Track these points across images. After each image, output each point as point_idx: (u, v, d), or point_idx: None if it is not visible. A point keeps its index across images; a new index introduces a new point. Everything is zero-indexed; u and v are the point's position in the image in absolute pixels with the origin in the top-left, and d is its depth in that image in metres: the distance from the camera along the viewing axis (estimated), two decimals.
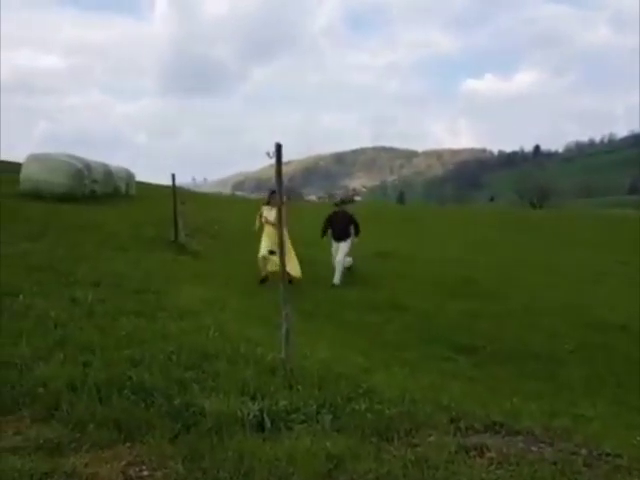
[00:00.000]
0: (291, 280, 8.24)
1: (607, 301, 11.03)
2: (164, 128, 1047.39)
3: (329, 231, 11.21)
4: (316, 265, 11.29)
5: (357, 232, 11.09)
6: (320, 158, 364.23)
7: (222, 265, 11.53)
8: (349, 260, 11.08)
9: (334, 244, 11.10)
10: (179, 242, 12.80)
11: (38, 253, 8.17)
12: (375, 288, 10.66)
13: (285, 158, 3.87)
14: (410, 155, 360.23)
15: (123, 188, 23.77)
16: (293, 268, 9.25)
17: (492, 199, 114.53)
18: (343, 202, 12.65)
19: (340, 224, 11.11)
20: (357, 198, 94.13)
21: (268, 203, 10.07)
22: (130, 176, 25.54)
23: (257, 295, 8.76)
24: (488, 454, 2.58)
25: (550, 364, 6.80)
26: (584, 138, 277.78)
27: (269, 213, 9.85)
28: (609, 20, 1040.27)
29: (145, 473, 2.36)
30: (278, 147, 3.80)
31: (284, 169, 3.96)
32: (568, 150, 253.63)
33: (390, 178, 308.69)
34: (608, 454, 2.66)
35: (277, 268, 6.15)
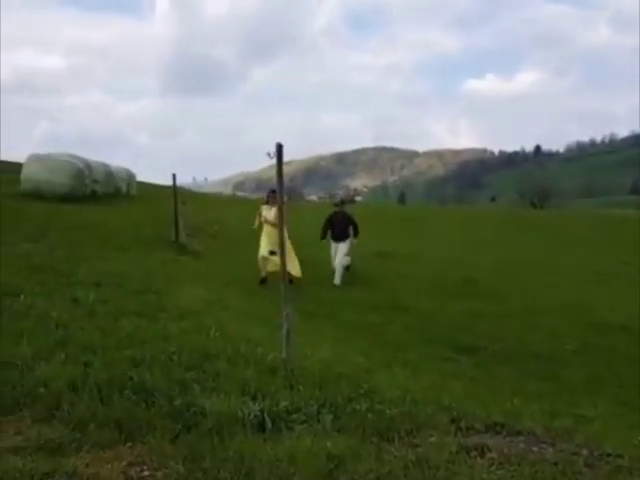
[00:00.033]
0: (291, 280, 8.24)
1: (608, 301, 11.02)
2: (165, 128, 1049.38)
3: (328, 232, 11.22)
4: (317, 265, 11.29)
5: (356, 233, 11.11)
6: (321, 158, 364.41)
7: (223, 265, 11.54)
8: (348, 260, 11.09)
9: (333, 245, 11.11)
10: (180, 242, 12.81)
11: (39, 253, 8.18)
12: (376, 288, 10.66)
13: (286, 158, 3.87)
14: (411, 155, 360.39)
15: (124, 188, 23.80)
16: (293, 268, 9.25)
17: (493, 199, 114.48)
18: (343, 202, 12.66)
19: (340, 225, 11.12)
20: (358, 198, 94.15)
21: (267, 202, 10.07)
22: (131, 176, 25.57)
23: (258, 295, 8.77)
24: (489, 454, 2.57)
25: (551, 364, 6.79)
26: (585, 138, 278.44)
27: (268, 212, 9.85)
28: (610, 20, 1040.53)
29: (146, 473, 2.36)
30: (279, 147, 3.80)
31: (285, 169, 3.95)
32: (569, 150, 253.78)
33: (391, 178, 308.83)
34: (609, 454, 2.66)
35: (277, 268, 6.17)
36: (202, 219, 17.26)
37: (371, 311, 8.62)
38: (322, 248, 11.51)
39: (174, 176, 13.62)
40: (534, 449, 2.69)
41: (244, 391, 3.25)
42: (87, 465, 2.38)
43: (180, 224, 13.17)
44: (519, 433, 2.91)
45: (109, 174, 21.90)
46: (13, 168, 21.80)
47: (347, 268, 11.12)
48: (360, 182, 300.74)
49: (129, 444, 2.60)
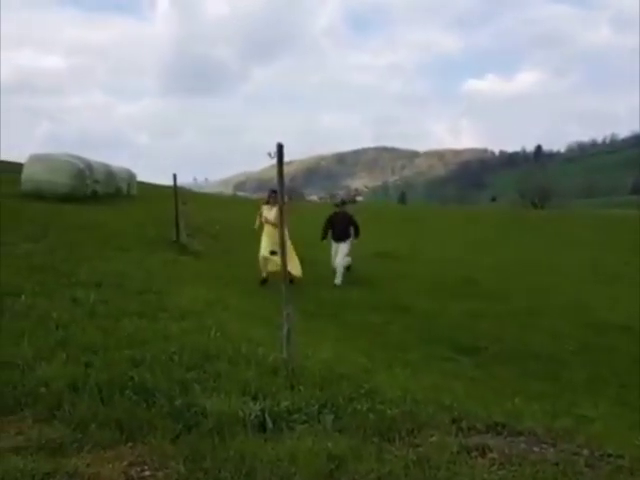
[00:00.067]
0: (292, 280, 8.24)
1: (609, 301, 11.02)
2: (165, 128, 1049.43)
3: (329, 233, 11.22)
4: (317, 265, 11.29)
5: (357, 233, 11.10)
6: (322, 158, 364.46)
7: (223, 265, 11.54)
8: (348, 260, 11.09)
9: (334, 245, 11.11)
10: (180, 242, 12.82)
11: (40, 253, 8.18)
12: (376, 288, 10.66)
13: (287, 158, 3.87)
14: (412, 155, 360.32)
15: (124, 188, 23.82)
16: (294, 267, 9.25)
17: (494, 199, 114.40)
18: (344, 203, 12.65)
19: (340, 225, 11.12)
20: (359, 198, 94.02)
21: (268, 202, 10.07)
22: (131, 176, 25.59)
23: (259, 295, 8.77)
24: (490, 454, 2.57)
25: (552, 364, 6.79)
26: (586, 138, 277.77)
27: (269, 212, 9.85)
28: (610, 20, 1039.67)
29: (147, 473, 2.36)
30: (280, 147, 3.80)
31: (286, 169, 3.96)
32: (570, 150, 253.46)
33: (392, 178, 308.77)
34: (610, 455, 2.65)
35: (278, 268, 6.18)
36: (203, 219, 17.28)
37: (372, 311, 8.62)
38: (322, 248, 11.52)
39: (175, 176, 13.62)
40: (535, 449, 2.69)
41: (245, 391, 3.25)
42: (88, 465, 2.38)
43: (181, 224, 13.18)
44: (520, 433, 2.91)
45: (110, 174, 21.93)
46: (14, 168, 21.82)
47: (347, 268, 11.12)
48: (361, 182, 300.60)
49: (130, 444, 2.61)
